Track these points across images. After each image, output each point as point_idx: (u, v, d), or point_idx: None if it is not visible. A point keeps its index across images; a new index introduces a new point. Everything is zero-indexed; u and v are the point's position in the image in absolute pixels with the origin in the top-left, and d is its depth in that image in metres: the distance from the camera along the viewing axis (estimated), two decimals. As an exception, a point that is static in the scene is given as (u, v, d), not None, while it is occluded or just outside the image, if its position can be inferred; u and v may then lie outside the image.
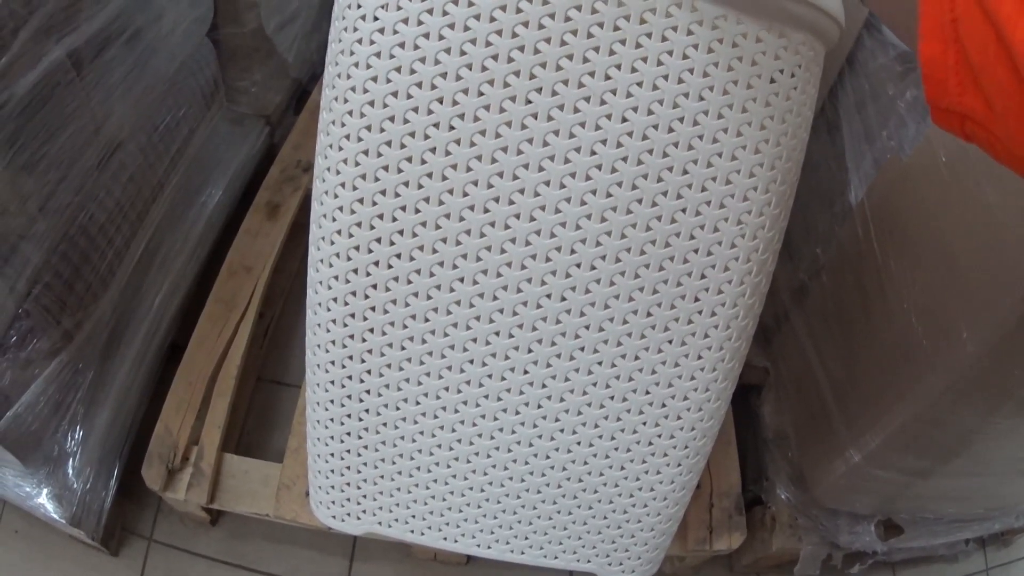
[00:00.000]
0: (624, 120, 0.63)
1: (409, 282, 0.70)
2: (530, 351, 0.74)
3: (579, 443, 0.80)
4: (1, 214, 0.84)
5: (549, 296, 0.71)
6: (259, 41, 1.42)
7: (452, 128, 0.63)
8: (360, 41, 0.61)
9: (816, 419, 1.08)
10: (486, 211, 0.67)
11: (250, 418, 1.32)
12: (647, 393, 0.76)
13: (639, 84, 0.61)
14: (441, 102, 0.62)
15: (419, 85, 0.62)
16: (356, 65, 0.62)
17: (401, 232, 0.68)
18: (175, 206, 1.22)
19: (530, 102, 0.62)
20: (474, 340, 0.73)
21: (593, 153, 0.64)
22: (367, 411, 0.80)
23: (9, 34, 0.75)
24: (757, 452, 1.25)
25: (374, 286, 0.71)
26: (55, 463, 1.02)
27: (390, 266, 0.69)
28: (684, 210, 0.66)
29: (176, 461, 1.08)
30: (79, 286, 1.01)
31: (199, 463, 1.09)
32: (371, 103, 0.63)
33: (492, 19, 0.59)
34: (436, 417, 0.79)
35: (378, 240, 0.68)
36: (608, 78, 0.61)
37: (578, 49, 0.60)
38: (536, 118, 0.63)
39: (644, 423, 0.79)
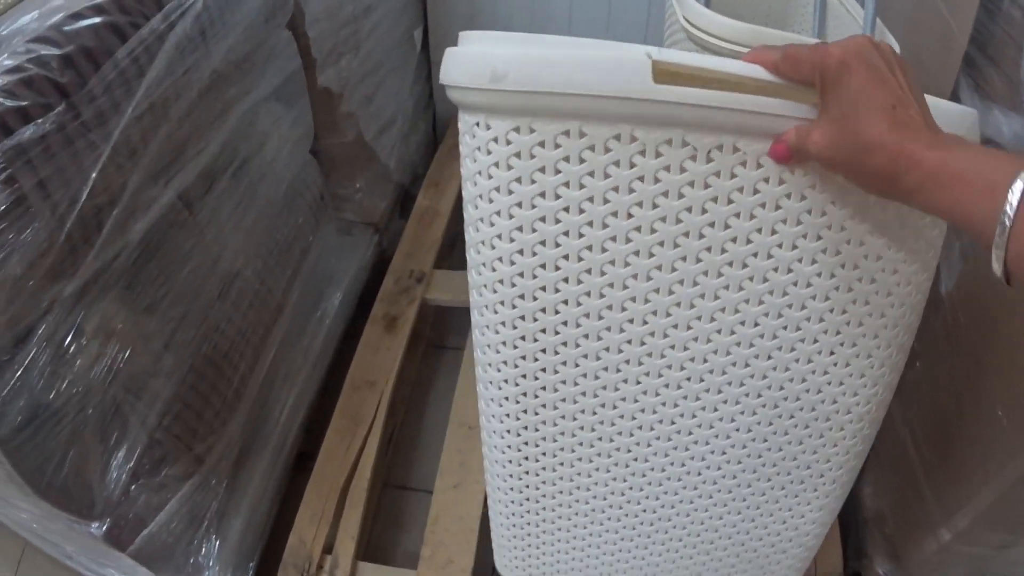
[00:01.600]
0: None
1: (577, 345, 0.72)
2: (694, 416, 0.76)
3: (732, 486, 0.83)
4: (128, 355, 0.85)
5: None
6: (360, 148, 1.46)
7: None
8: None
9: (910, 500, 1.11)
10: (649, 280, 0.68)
11: (378, 524, 1.32)
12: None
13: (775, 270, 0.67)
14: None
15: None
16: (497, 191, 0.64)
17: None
18: (294, 324, 1.24)
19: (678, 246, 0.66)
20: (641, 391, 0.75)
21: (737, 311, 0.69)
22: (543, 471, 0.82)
23: (118, 187, 0.77)
24: (857, 531, 1.28)
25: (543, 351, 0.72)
26: (190, 573, 1.04)
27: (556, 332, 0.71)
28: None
29: (312, 570, 1.10)
30: (208, 413, 1.02)
31: (334, 571, 1.10)
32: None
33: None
34: (610, 473, 0.81)
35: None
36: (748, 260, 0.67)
37: (719, 216, 0.64)
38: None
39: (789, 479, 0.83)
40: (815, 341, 0.71)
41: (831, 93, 0.54)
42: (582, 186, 0.62)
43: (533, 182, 0.61)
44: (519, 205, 0.63)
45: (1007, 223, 0.45)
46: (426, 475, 1.19)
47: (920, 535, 1.07)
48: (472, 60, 0.58)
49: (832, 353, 0.72)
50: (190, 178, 0.90)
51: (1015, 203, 0.45)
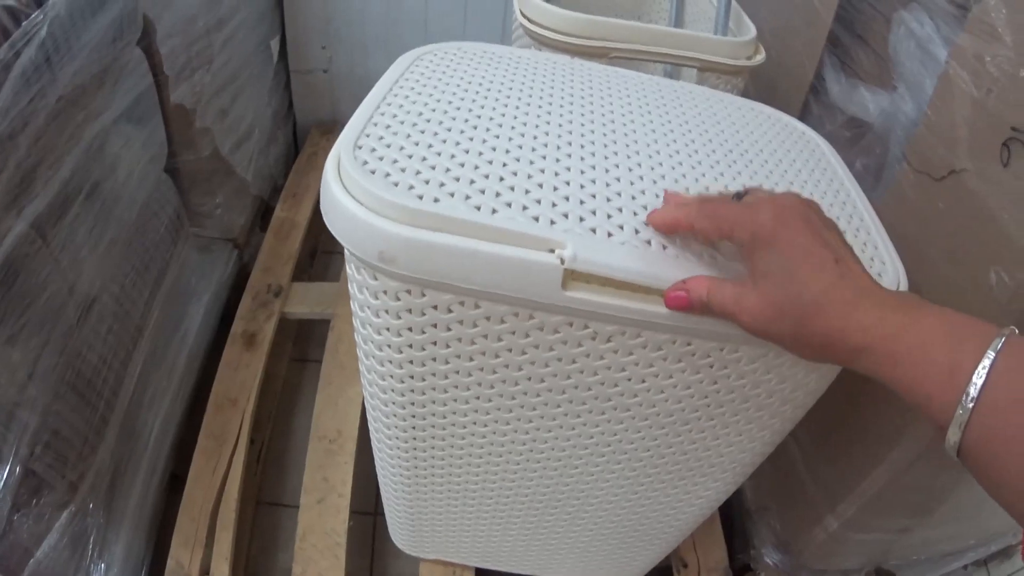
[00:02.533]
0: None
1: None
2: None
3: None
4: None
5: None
6: (217, 163, 1.44)
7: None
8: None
9: (793, 491, 1.12)
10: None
11: (255, 542, 1.31)
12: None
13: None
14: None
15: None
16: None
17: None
18: (156, 345, 1.22)
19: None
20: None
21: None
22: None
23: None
24: (743, 522, 1.28)
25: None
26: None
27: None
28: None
29: (191, 593, 1.08)
30: (77, 440, 1.00)
31: (212, 593, 1.09)
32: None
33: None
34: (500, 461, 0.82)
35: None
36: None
37: (608, 377, 0.66)
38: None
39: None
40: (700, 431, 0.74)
41: (765, 253, 0.51)
42: (473, 342, 0.61)
43: (423, 332, 0.61)
44: (409, 346, 0.62)
45: (969, 406, 0.43)
46: (297, 490, 1.19)
47: (807, 525, 1.09)
48: (358, 233, 0.54)
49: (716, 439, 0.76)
50: (42, 206, 0.88)
51: (977, 388, 0.43)
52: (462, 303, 0.58)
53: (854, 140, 1.06)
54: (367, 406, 0.76)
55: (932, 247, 0.83)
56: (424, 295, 0.57)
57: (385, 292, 0.58)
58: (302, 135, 2.02)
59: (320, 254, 1.79)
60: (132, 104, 1.09)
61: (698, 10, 1.35)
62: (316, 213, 1.68)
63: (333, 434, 1.22)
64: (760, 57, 1.11)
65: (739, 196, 0.56)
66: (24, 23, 0.77)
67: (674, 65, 1.12)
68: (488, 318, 0.59)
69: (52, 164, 0.89)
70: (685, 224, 0.55)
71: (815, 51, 1.21)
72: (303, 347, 1.61)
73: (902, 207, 0.88)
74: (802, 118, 1.22)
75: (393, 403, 0.71)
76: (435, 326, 0.60)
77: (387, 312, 0.59)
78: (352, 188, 0.55)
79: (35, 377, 0.91)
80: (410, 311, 0.59)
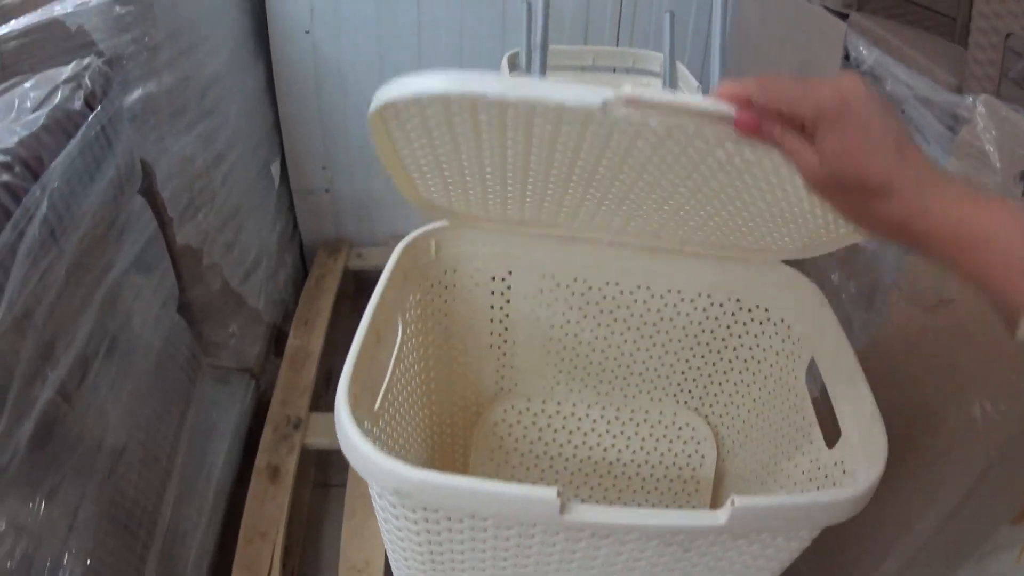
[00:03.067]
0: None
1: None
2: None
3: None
4: (38, 544, 0.85)
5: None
6: (227, 296, 1.47)
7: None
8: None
9: None
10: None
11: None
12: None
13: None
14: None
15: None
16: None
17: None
18: (184, 483, 1.24)
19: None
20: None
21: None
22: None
23: (4, 389, 0.78)
24: None
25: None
26: None
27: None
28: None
29: None
30: (116, 583, 1.02)
31: None
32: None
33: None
34: None
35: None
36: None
37: None
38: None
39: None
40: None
41: (828, 132, 0.50)
42: (485, 542, 0.69)
43: (439, 535, 0.70)
44: (428, 542, 0.71)
45: None
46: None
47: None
48: (375, 471, 0.64)
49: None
50: (64, 373, 0.90)
51: None
52: (473, 527, 0.67)
53: (847, 260, 1.08)
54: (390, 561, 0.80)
55: (920, 374, 0.84)
56: (438, 515, 0.66)
57: (405, 511, 0.67)
58: (309, 254, 2.06)
59: (335, 377, 1.80)
60: (139, 253, 1.12)
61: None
62: (328, 339, 1.72)
63: (361, 564, 1.23)
64: None
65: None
66: (24, 199, 0.80)
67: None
68: (496, 534, 0.68)
69: (69, 330, 0.92)
70: (743, 95, 0.54)
71: None
72: (325, 472, 1.62)
73: (893, 334, 0.90)
74: None
75: (414, 565, 0.75)
76: (450, 531, 0.68)
77: (407, 520, 0.68)
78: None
79: (75, 528, 0.93)
80: (427, 521, 0.67)
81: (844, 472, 0.76)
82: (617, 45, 1.83)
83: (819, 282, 0.96)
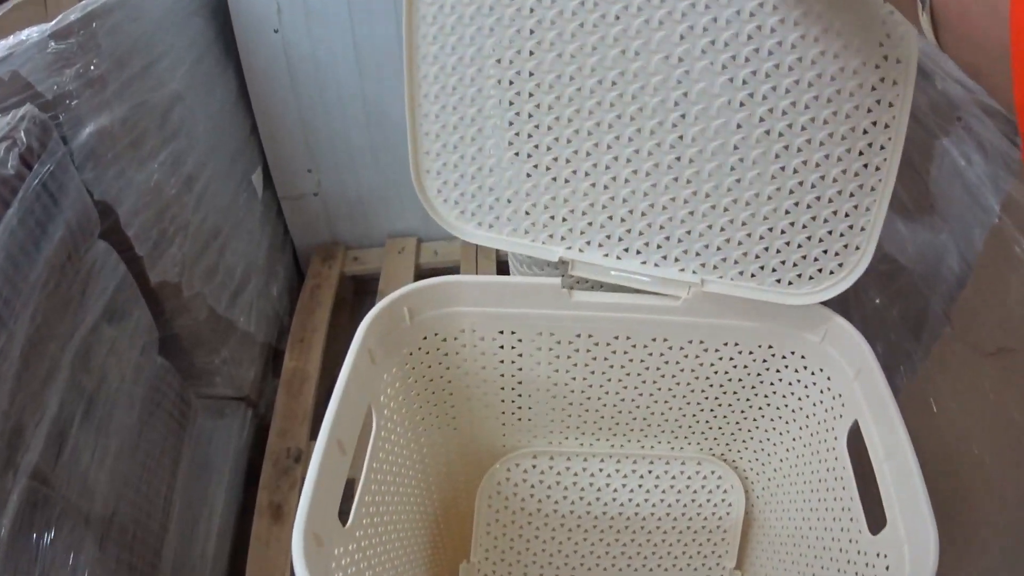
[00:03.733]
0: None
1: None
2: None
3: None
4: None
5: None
6: (215, 323, 1.39)
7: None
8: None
9: None
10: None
11: None
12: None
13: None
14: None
15: None
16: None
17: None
18: (183, 531, 1.18)
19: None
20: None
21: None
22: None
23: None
24: None
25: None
26: None
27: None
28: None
29: None
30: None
31: None
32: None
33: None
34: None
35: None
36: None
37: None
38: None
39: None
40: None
41: None
42: None
43: None
44: None
45: None
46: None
47: None
48: None
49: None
50: (36, 455, 0.83)
51: None
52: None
53: (890, 279, 0.97)
54: None
55: (973, 427, 0.74)
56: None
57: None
58: (303, 261, 1.98)
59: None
60: (108, 303, 1.04)
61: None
62: (327, 358, 1.65)
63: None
64: None
65: None
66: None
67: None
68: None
69: (36, 409, 0.84)
70: None
71: None
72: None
73: (943, 376, 0.79)
74: None
75: None
76: None
77: None
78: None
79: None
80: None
81: (887, 569, 0.68)
82: None
83: (860, 305, 0.87)
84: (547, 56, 0.74)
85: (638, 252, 0.82)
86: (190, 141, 1.35)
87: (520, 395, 1.02)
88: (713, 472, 1.07)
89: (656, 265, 0.82)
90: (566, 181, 0.80)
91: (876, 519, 0.70)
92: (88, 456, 0.95)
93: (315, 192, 1.88)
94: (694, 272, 0.82)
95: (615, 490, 1.07)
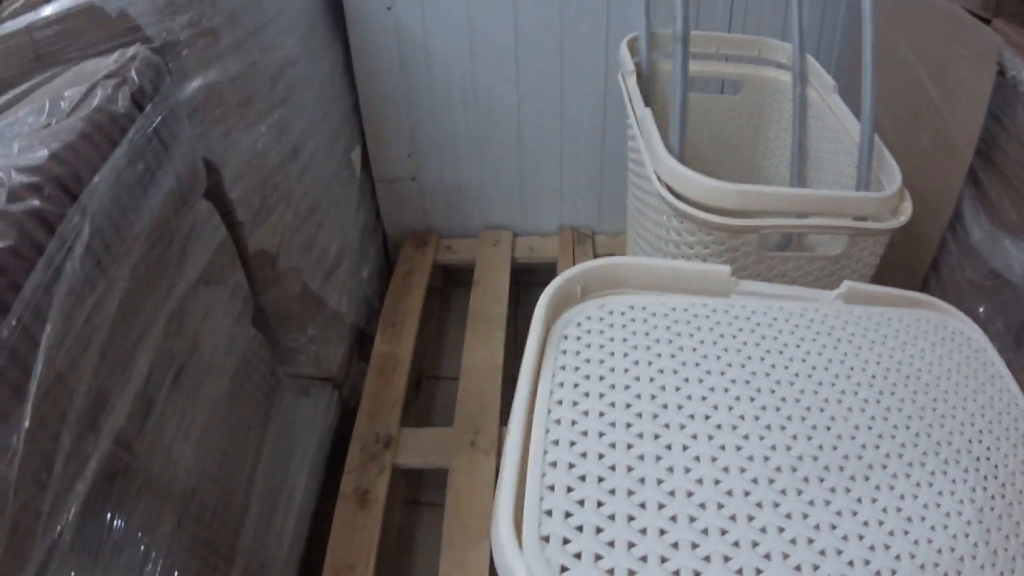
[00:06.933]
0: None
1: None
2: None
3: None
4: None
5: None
6: (307, 300, 1.34)
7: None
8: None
9: None
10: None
11: None
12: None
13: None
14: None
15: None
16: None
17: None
18: (263, 513, 1.12)
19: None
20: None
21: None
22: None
23: (43, 467, 0.65)
24: None
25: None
26: None
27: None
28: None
29: None
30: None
31: None
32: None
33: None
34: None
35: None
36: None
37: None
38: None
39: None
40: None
41: None
42: None
43: None
44: None
45: None
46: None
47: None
48: None
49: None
50: (122, 419, 0.78)
51: None
52: None
53: (995, 292, 0.96)
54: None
55: None
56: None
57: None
58: (393, 247, 1.93)
59: (425, 381, 1.67)
60: (207, 266, 1.00)
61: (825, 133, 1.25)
62: (419, 343, 1.59)
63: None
64: (907, 213, 1.00)
65: None
66: (59, 228, 0.66)
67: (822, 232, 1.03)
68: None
69: (125, 370, 0.79)
70: None
71: (954, 184, 1.11)
72: (416, 489, 1.49)
73: None
74: (940, 259, 1.16)
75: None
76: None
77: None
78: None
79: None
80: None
81: None
82: (729, 31, 1.66)
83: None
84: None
85: None
86: (298, 109, 1.30)
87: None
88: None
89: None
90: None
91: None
92: (174, 427, 0.89)
93: (413, 177, 1.83)
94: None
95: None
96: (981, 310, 0.98)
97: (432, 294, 1.78)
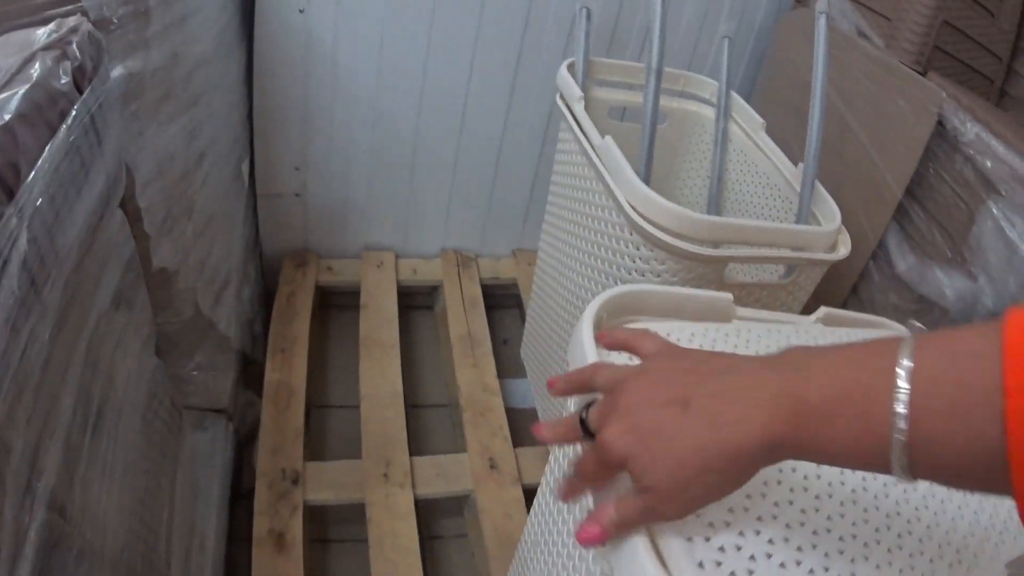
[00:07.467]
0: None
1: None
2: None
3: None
4: None
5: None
6: (198, 324, 1.20)
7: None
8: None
9: None
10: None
11: None
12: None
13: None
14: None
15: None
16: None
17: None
18: (185, 564, 0.97)
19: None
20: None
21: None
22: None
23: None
24: None
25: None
26: None
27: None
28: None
29: None
30: None
31: None
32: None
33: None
34: None
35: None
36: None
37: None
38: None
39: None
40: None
41: (634, 470, 0.49)
42: None
43: None
44: None
45: (902, 425, 0.40)
46: None
47: None
48: None
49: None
50: (52, 477, 0.63)
51: (904, 402, 0.40)
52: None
53: (920, 315, 1.08)
54: None
55: None
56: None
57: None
58: (269, 267, 1.78)
59: (324, 425, 1.54)
60: (118, 285, 0.84)
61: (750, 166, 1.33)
62: (311, 370, 1.47)
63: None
64: (847, 245, 1.07)
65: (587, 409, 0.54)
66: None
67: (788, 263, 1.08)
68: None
69: (53, 415, 0.64)
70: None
71: (879, 219, 1.22)
72: (322, 527, 1.36)
73: None
74: (860, 286, 1.28)
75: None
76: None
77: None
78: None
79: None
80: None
81: None
82: (639, 60, 1.65)
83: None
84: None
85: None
86: (208, 112, 1.16)
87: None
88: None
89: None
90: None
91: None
92: (99, 479, 0.75)
93: (297, 192, 1.69)
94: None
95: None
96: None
97: (315, 317, 1.65)
